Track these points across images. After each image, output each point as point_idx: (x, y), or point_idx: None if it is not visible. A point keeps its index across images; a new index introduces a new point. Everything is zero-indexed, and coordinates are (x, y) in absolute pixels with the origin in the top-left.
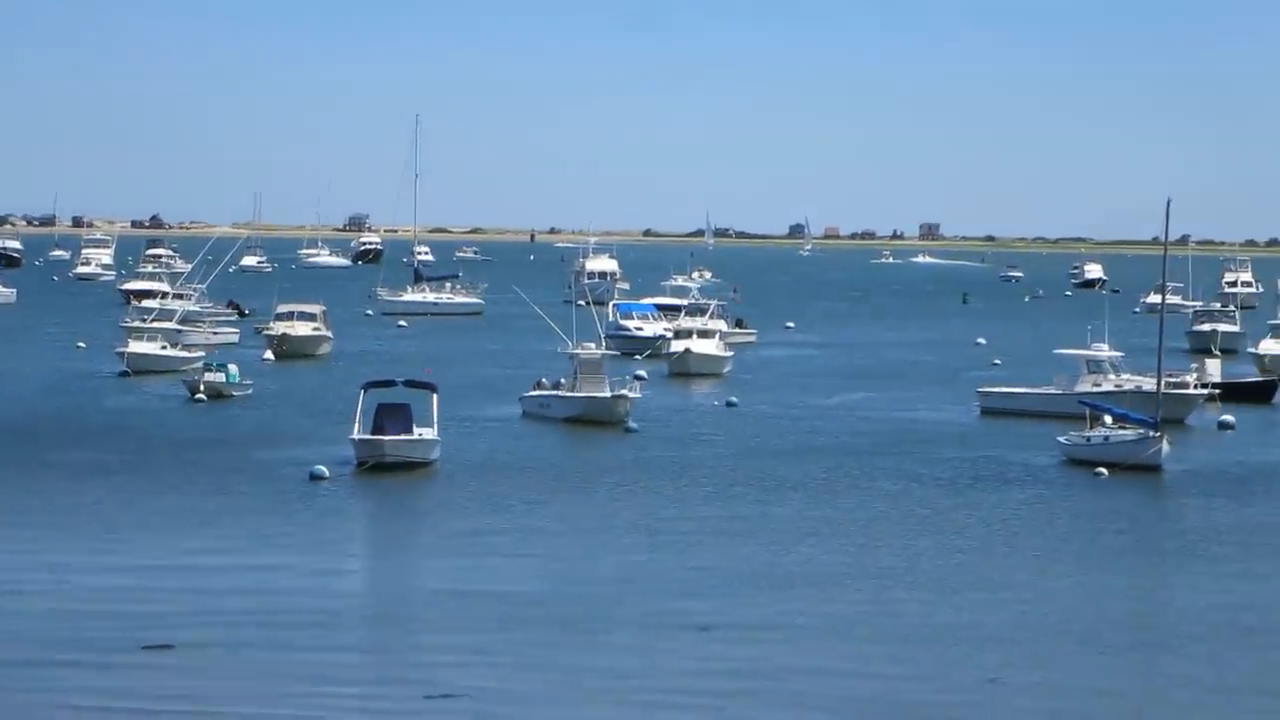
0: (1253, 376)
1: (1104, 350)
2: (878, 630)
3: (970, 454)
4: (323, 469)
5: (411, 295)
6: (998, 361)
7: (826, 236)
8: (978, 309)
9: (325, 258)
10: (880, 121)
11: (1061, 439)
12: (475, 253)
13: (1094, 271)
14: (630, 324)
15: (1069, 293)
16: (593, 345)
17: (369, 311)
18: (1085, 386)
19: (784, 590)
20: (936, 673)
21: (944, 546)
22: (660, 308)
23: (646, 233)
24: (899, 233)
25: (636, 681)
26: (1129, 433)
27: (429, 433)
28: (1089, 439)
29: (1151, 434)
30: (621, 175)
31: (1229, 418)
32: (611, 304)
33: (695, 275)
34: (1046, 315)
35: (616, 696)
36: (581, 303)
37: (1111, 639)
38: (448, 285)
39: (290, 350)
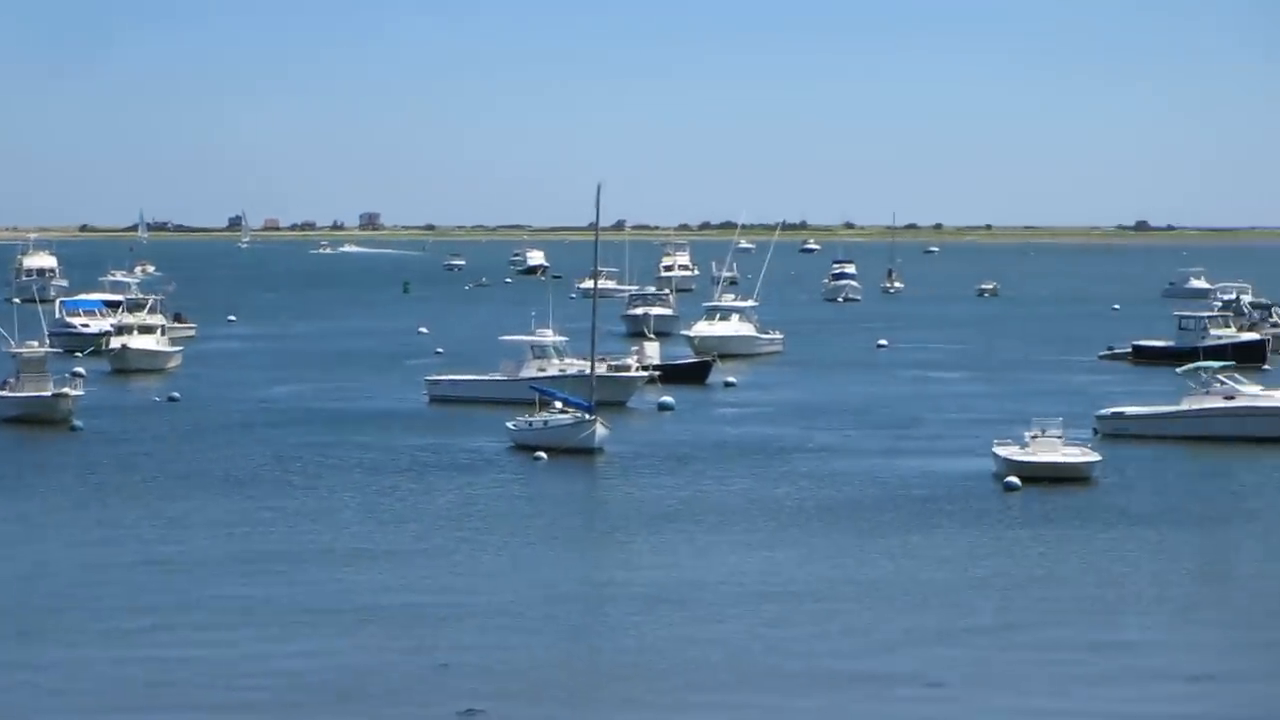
0: (688, 358)
1: (548, 335)
2: (335, 613)
3: (421, 441)
4: None
5: None
6: (440, 350)
7: (266, 228)
8: (420, 297)
9: None
10: (318, 112)
11: (509, 424)
12: None
13: (536, 258)
14: (76, 320)
15: (510, 279)
16: (35, 343)
17: None
18: (531, 371)
19: (243, 578)
20: (389, 657)
21: (400, 533)
22: (109, 304)
23: (83, 228)
24: (339, 223)
25: (85, 683)
26: (566, 417)
27: None
28: (531, 424)
29: (586, 417)
30: (56, 170)
31: (668, 399)
32: (58, 300)
33: (139, 270)
34: (489, 302)
35: (66, 699)
36: (18, 300)
37: (561, 619)
38: None
39: None
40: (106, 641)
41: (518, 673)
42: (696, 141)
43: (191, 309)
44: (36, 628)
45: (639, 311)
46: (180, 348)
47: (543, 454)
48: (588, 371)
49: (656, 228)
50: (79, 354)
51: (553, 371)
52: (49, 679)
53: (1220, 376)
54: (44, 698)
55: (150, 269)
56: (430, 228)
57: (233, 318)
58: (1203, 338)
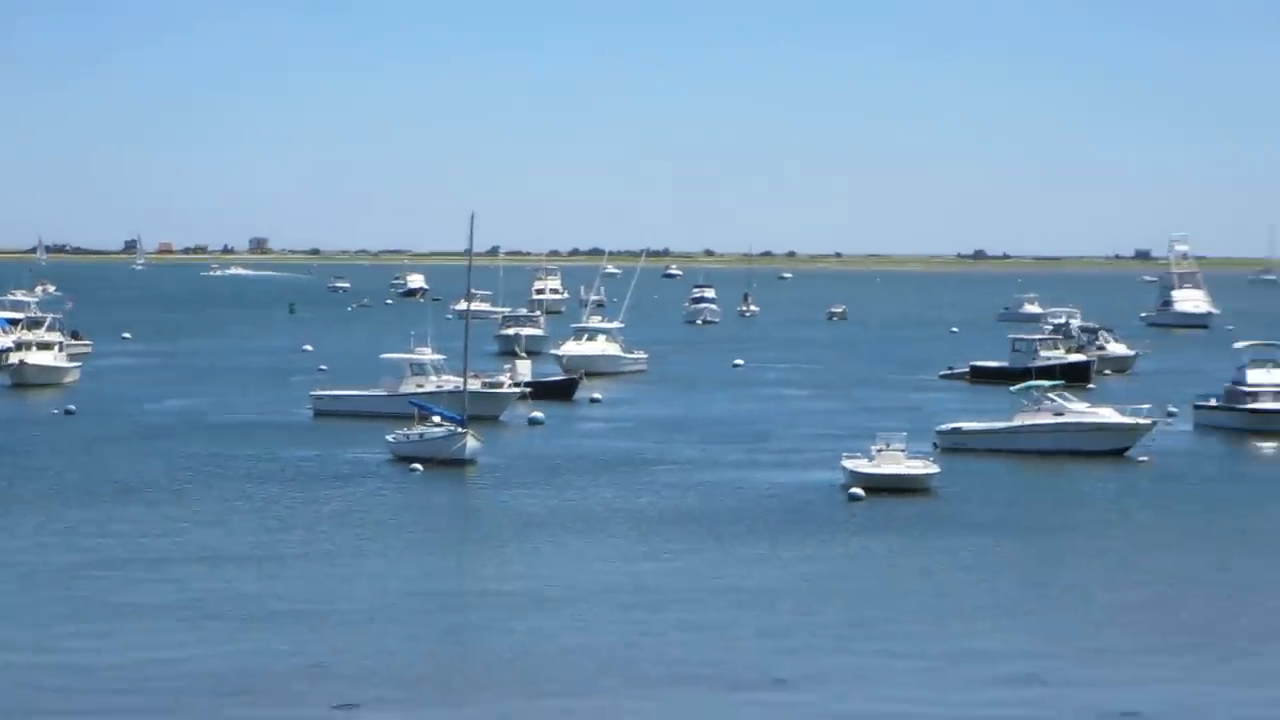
0: (557, 376)
1: (426, 354)
2: (219, 616)
3: (306, 453)
4: None
5: None
6: (324, 367)
7: (161, 251)
8: (305, 318)
9: None
10: (207, 137)
11: (389, 437)
12: None
13: (416, 281)
14: None
15: (391, 301)
16: None
17: None
18: (410, 387)
19: (135, 583)
20: (270, 656)
21: (286, 539)
22: (12, 322)
23: None
24: (230, 247)
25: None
26: (439, 430)
27: None
28: (409, 437)
29: (458, 430)
30: None
31: (539, 414)
32: None
33: (39, 289)
34: (371, 322)
35: None
36: None
37: (435, 622)
38: None
39: None
40: (30, 641)
41: (393, 671)
42: (568, 171)
43: (88, 327)
44: None
45: (511, 332)
46: (77, 363)
47: (419, 465)
48: (462, 388)
49: (529, 253)
50: None
51: (430, 388)
52: None
53: (1050, 395)
54: None
55: (51, 289)
56: (316, 251)
57: (127, 335)
58: (1034, 359)
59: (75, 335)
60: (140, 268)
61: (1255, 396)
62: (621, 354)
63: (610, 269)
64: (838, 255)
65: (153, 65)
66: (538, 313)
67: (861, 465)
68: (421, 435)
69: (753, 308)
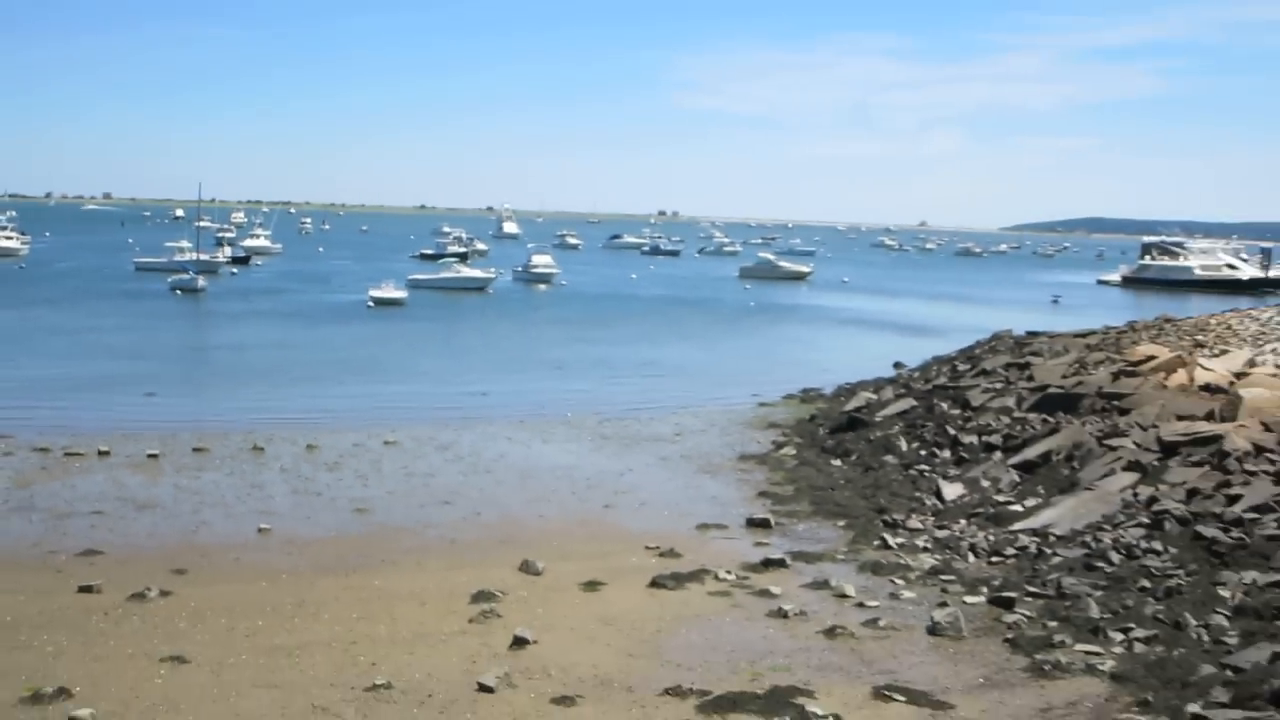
0: (242, 254)
1: (185, 243)
2: (69, 354)
3: (131, 286)
4: None
5: None
6: (138, 249)
7: (60, 196)
8: (130, 228)
9: None
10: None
11: (168, 279)
12: None
13: (180, 213)
14: None
15: (168, 221)
16: None
17: None
18: (177, 257)
19: (25, 340)
20: (94, 371)
21: (115, 321)
22: None
23: None
24: (92, 195)
25: None
26: (188, 276)
27: None
28: (178, 279)
29: (197, 276)
30: None
31: (234, 270)
32: None
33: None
34: (160, 230)
35: None
36: None
37: (188, 357)
38: None
39: None
40: None
41: (173, 381)
42: (247, 149)
43: (29, 229)
44: None
45: (221, 235)
46: (25, 246)
47: (180, 291)
48: (202, 258)
49: (229, 200)
50: None
51: (187, 258)
52: None
53: (455, 264)
54: None
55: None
56: (134, 199)
57: (47, 234)
58: (447, 250)
59: (21, 232)
60: (53, 205)
61: (538, 267)
62: (270, 245)
63: (265, 209)
64: (363, 205)
65: None
66: (232, 227)
67: (376, 292)
68: (181, 278)
69: (326, 227)
